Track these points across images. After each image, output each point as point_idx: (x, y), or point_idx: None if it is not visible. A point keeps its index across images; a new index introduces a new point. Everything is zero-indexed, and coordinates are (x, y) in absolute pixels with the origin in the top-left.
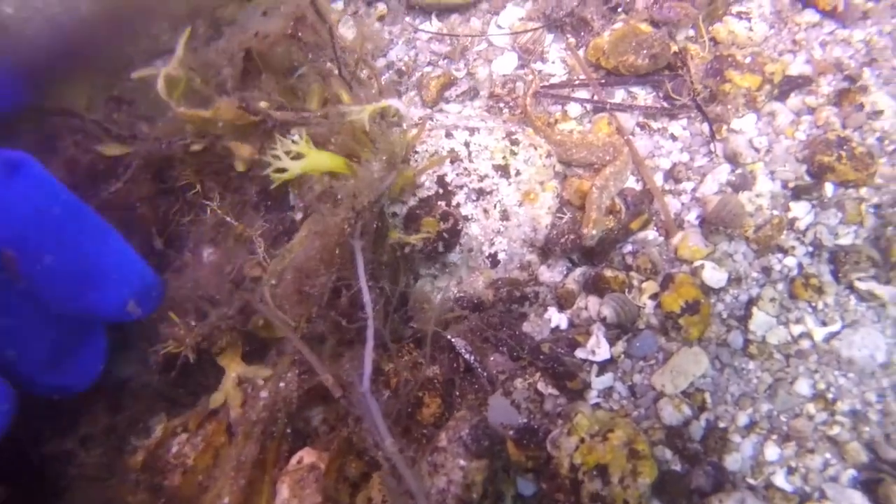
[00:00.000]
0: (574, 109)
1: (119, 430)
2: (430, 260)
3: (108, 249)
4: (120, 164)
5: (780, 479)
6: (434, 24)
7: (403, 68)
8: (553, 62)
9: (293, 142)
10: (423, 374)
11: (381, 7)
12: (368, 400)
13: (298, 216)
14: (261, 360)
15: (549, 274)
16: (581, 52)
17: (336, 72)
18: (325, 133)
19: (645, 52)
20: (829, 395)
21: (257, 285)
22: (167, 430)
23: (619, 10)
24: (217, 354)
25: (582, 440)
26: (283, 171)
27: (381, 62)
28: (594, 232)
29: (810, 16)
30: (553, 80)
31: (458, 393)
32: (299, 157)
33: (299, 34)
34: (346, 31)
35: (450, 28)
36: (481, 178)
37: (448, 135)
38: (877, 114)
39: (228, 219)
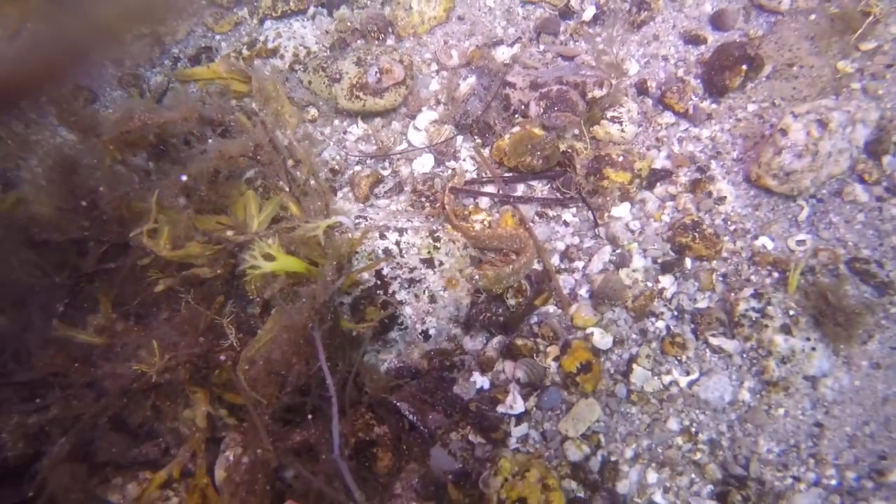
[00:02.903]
0: (484, 202)
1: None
2: (374, 338)
3: None
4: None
5: (658, 498)
6: (360, 127)
7: (336, 167)
8: (464, 160)
9: (268, 245)
10: (374, 433)
11: (313, 111)
12: (340, 463)
13: (257, 310)
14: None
15: (472, 344)
16: (486, 152)
17: (287, 189)
18: (286, 243)
19: (539, 153)
20: (693, 429)
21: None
22: (157, 481)
23: (517, 115)
24: (185, 382)
25: (506, 479)
26: (255, 268)
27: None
28: (476, 276)
29: (668, 117)
30: (466, 177)
31: (405, 447)
32: (270, 259)
33: (258, 157)
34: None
35: (374, 130)
36: (411, 270)
37: (381, 236)
38: (721, 199)
39: (201, 308)
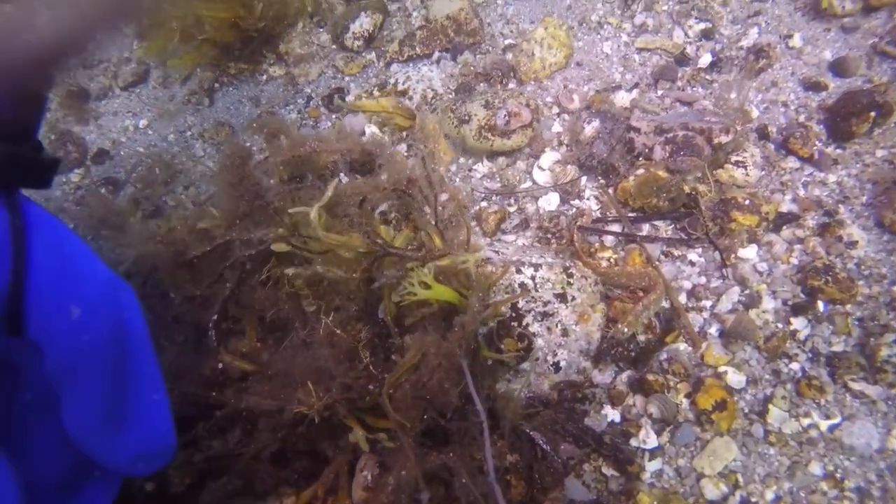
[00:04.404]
0: (609, 240)
1: None
2: (507, 368)
3: (146, 397)
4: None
5: None
6: (485, 165)
7: (463, 203)
8: (588, 199)
9: (423, 273)
10: (507, 461)
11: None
12: (494, 486)
13: (397, 339)
14: None
15: (601, 377)
16: (611, 191)
17: (433, 222)
18: (437, 271)
19: (664, 195)
20: (838, 475)
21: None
22: (302, 499)
23: (640, 157)
24: (343, 418)
25: None
26: (412, 294)
27: (443, 196)
28: (626, 329)
29: (793, 162)
30: (587, 216)
31: (537, 476)
32: (426, 287)
33: (409, 191)
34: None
35: (498, 169)
36: (545, 304)
37: (518, 270)
38: (853, 244)
39: (339, 331)
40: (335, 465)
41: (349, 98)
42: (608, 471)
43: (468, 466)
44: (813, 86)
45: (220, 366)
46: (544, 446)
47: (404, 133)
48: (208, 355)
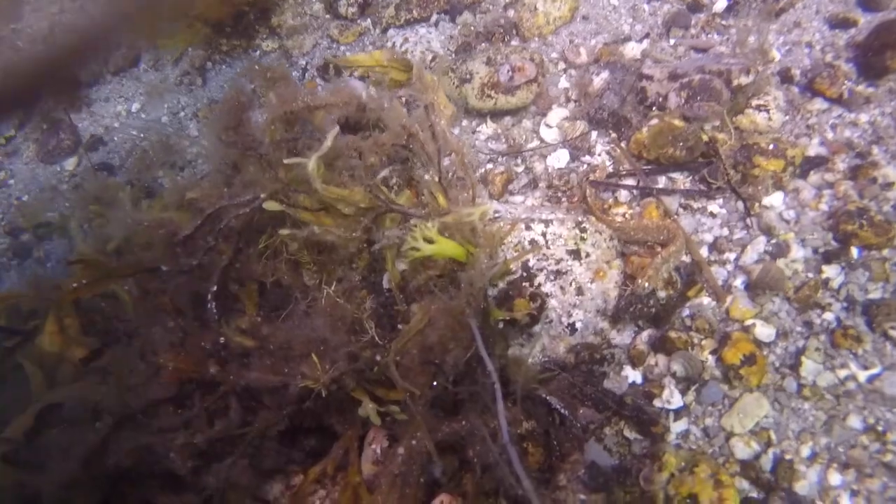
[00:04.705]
0: (623, 195)
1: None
2: (519, 331)
3: None
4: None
5: (845, 501)
6: (489, 126)
7: (468, 158)
8: (599, 155)
9: (427, 228)
10: (523, 428)
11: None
12: (509, 449)
13: (403, 304)
14: None
15: (620, 338)
16: (624, 144)
17: (436, 179)
18: (441, 227)
19: (681, 144)
20: (880, 428)
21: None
22: (310, 476)
23: (654, 107)
24: (352, 391)
25: (672, 475)
26: (416, 249)
27: (446, 161)
28: (647, 284)
29: (819, 104)
30: (600, 172)
31: (555, 442)
32: (430, 242)
33: (410, 146)
34: None
35: (503, 129)
36: (557, 262)
37: (527, 227)
38: (889, 185)
39: (341, 301)
40: (344, 441)
41: (343, 49)
42: (631, 434)
43: (481, 434)
44: (841, 23)
45: (222, 340)
46: (562, 411)
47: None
48: (209, 329)
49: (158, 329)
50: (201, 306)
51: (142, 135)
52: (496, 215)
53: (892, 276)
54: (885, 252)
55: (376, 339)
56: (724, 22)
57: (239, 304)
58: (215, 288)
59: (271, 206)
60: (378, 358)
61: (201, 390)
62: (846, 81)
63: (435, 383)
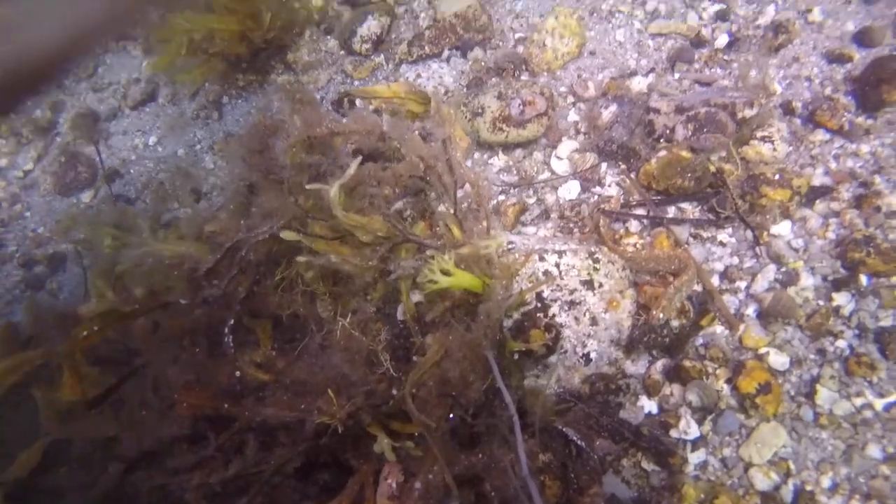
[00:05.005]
0: (634, 225)
1: None
2: (534, 362)
3: None
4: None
5: None
6: (501, 158)
7: (484, 191)
8: (609, 185)
9: (444, 260)
10: (540, 460)
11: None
12: (529, 481)
13: (418, 336)
14: None
15: (634, 368)
16: (633, 175)
17: (451, 211)
18: (458, 259)
19: (689, 175)
20: None
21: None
22: None
23: (661, 140)
24: (368, 426)
25: None
26: (433, 282)
27: (460, 193)
28: (661, 315)
29: (822, 135)
30: (612, 203)
31: (573, 475)
32: (447, 275)
33: (427, 178)
34: None
35: (515, 161)
36: (571, 292)
37: (541, 258)
38: (893, 213)
39: (356, 333)
40: (360, 476)
41: (357, 84)
42: (648, 465)
43: (499, 467)
44: (837, 58)
45: (237, 374)
46: (579, 442)
47: (417, 121)
48: (224, 363)
49: (172, 363)
50: (217, 340)
51: (159, 167)
52: (510, 246)
53: None
54: (894, 279)
55: (392, 371)
56: (725, 57)
57: (253, 337)
58: (232, 321)
59: (288, 235)
60: (394, 391)
61: (216, 427)
62: (846, 113)
63: (452, 416)
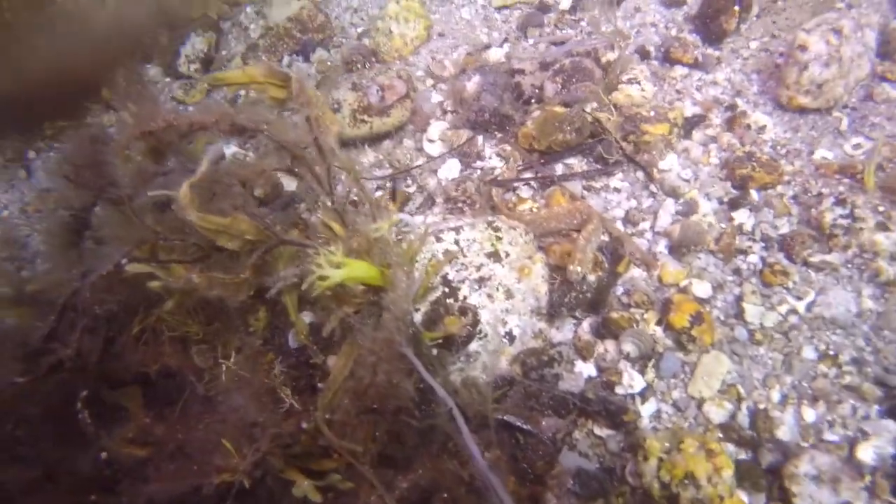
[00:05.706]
0: (525, 191)
1: None
2: (454, 353)
3: None
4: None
5: (828, 435)
6: (370, 154)
7: (356, 199)
8: (490, 157)
9: (332, 252)
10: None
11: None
12: (485, 473)
13: (319, 356)
14: None
15: (561, 334)
16: (512, 141)
17: (329, 203)
18: (347, 251)
19: (569, 128)
20: (831, 352)
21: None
22: None
23: (532, 100)
24: (281, 472)
25: (660, 459)
26: (323, 278)
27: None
28: (579, 269)
29: (680, 70)
30: (496, 173)
31: (525, 465)
32: (338, 267)
33: (296, 170)
34: None
35: (385, 154)
36: (478, 268)
37: (437, 239)
38: (762, 128)
39: (244, 373)
40: None
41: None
42: (602, 431)
43: (446, 478)
44: (673, 2)
45: (104, 456)
46: (524, 427)
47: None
48: (83, 446)
49: (10, 462)
50: (68, 421)
51: None
52: (405, 228)
53: (791, 208)
54: (780, 188)
55: (296, 405)
56: (573, 17)
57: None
58: (85, 392)
59: (135, 268)
60: (304, 425)
61: None
62: (695, 49)
63: (377, 434)
